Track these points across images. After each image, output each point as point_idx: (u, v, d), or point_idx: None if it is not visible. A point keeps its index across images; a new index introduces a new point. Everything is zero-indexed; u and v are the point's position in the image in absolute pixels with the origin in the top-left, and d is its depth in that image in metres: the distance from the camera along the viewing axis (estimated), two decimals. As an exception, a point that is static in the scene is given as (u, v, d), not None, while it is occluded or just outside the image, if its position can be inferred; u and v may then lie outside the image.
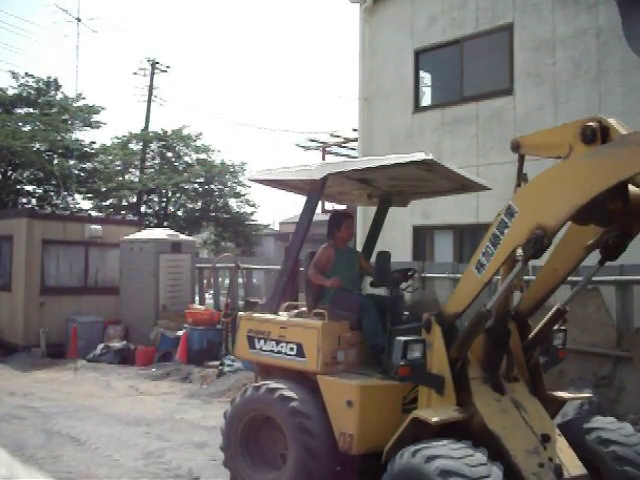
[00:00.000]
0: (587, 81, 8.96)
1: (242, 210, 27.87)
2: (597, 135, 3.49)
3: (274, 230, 38.31)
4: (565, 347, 4.75)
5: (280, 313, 5.30)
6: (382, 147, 11.13)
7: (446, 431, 3.74)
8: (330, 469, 4.61)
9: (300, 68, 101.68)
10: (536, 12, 9.58)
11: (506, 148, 4.34)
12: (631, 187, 3.59)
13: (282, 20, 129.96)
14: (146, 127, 26.66)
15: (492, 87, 10.22)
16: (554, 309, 4.46)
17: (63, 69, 66.79)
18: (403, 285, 5.36)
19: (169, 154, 26.98)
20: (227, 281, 13.55)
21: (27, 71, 33.22)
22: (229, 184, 27.09)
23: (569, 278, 4.60)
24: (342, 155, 16.64)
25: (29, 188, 23.71)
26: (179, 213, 27.43)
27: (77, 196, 24.29)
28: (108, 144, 26.04)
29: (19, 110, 23.53)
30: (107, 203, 25.43)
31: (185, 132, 26.50)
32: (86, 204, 25.36)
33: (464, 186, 5.33)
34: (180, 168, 26.45)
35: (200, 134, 27.09)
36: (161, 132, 26.20)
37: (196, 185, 26.68)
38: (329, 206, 14.21)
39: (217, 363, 10.08)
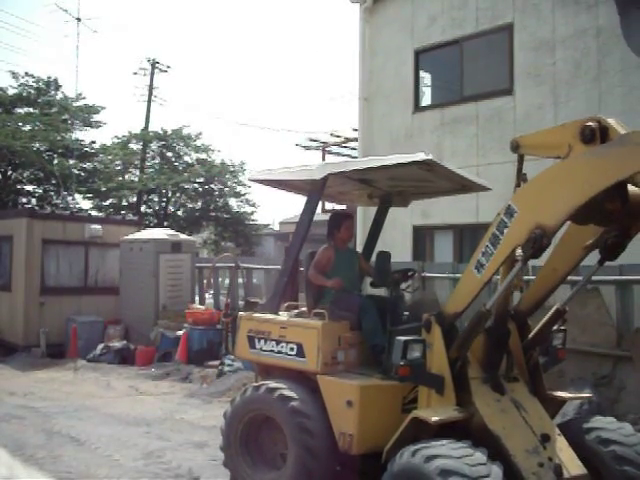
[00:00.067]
0: (587, 81, 8.96)
1: (242, 210, 27.88)
2: (596, 135, 3.50)
3: (274, 230, 38.29)
4: (565, 347, 4.76)
5: (280, 313, 5.30)
6: (382, 147, 11.13)
7: (446, 431, 3.75)
8: (330, 469, 4.61)
9: (300, 68, 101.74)
10: (536, 12, 9.58)
11: (506, 148, 4.33)
12: (630, 187, 3.59)
13: (282, 20, 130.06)
14: (146, 127, 26.65)
15: (492, 87, 10.22)
16: (554, 309, 4.46)
17: (63, 69, 66.96)
18: (403, 285, 5.37)
19: (169, 154, 27.00)
20: (227, 281, 13.53)
21: (27, 71, 33.10)
22: (229, 184, 27.10)
23: (569, 278, 4.61)
24: (342, 155, 16.64)
25: (29, 188, 23.76)
26: (179, 213, 27.44)
27: (77, 196, 24.37)
28: (108, 144, 26.06)
29: (19, 110, 23.52)
30: (107, 203, 25.42)
31: (185, 132, 26.53)
32: (86, 204, 25.45)
33: (464, 186, 5.33)
34: (180, 168, 26.46)
35: (200, 134, 27.15)
36: (161, 132, 26.21)
37: (196, 185, 26.69)
38: (329, 206, 14.19)
39: (217, 363, 10.08)
